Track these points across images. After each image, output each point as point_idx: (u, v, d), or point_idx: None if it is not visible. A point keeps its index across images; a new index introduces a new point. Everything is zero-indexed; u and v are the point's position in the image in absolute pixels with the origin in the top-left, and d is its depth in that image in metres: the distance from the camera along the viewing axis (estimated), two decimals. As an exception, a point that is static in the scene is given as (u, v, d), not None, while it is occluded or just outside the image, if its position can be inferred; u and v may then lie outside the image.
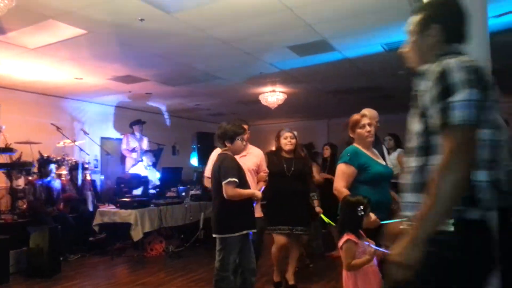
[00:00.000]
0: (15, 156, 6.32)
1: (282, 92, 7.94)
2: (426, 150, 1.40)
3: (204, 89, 7.81)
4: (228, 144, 3.38)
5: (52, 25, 4.41)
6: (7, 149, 6.18)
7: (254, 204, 3.49)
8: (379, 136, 4.96)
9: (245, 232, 3.30)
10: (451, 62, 1.36)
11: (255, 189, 3.69)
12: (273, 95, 7.91)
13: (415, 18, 1.67)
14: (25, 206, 6.01)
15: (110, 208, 6.23)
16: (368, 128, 3.14)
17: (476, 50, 1.61)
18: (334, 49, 5.46)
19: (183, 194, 7.00)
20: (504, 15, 4.37)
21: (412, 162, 1.45)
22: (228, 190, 3.18)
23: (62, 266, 5.31)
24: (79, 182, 6.79)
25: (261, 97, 8.00)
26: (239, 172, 3.27)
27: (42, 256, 5.00)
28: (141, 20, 4.31)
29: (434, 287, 1.35)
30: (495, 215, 1.35)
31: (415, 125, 1.43)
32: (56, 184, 6.32)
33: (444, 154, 1.30)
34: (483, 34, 1.64)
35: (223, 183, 3.19)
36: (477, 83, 1.31)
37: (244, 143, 3.54)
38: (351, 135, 3.22)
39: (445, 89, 1.32)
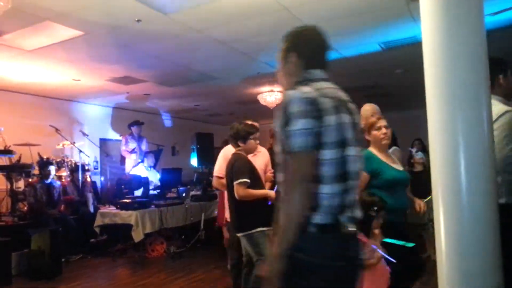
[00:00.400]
0: (14, 158, 6.33)
1: (281, 91, 7.95)
2: (284, 167, 1.57)
3: (202, 90, 7.82)
4: (241, 144, 3.40)
5: (49, 26, 4.41)
6: (6, 151, 6.18)
7: (269, 204, 3.46)
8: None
9: (258, 230, 3.25)
10: (292, 93, 1.55)
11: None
12: (271, 95, 7.93)
13: (281, 46, 1.82)
14: (25, 208, 6.02)
15: (111, 209, 6.24)
16: (384, 130, 3.06)
17: (473, 49, 1.63)
18: (331, 48, 5.47)
19: (184, 194, 7.02)
20: (500, 13, 4.39)
21: (280, 177, 1.61)
22: (239, 190, 3.20)
23: (64, 268, 5.32)
24: (80, 183, 6.80)
25: (259, 97, 8.01)
26: (251, 172, 3.27)
27: (44, 258, 5.01)
28: (138, 21, 4.32)
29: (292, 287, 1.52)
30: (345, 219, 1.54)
31: (277, 145, 1.59)
32: (57, 185, 6.33)
33: (288, 174, 1.52)
34: (480, 32, 1.65)
35: (235, 183, 3.21)
36: (312, 113, 1.50)
37: (258, 142, 3.54)
38: (366, 137, 3.16)
39: (286, 118, 1.51)
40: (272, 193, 3.43)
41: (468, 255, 1.62)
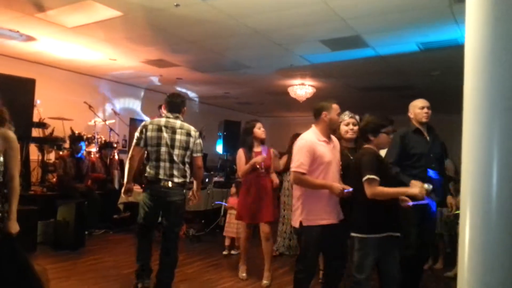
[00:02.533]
0: (47, 131, 6.54)
1: (311, 85, 7.89)
2: None
3: (234, 78, 7.85)
4: (371, 138, 3.10)
5: (90, 5, 4.51)
6: (40, 124, 6.40)
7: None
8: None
9: (386, 234, 2.93)
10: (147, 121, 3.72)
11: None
12: (302, 88, 7.88)
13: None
14: (54, 179, 6.23)
15: (135, 187, 6.37)
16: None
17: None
18: (368, 45, 5.39)
19: (207, 180, 7.09)
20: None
21: None
22: (368, 188, 2.90)
23: (86, 240, 5.48)
24: (108, 160, 6.98)
25: (290, 89, 7.97)
26: (379, 168, 2.96)
27: (68, 229, 5.18)
28: (177, 5, 4.36)
29: None
30: None
31: None
32: (86, 161, 6.51)
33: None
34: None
35: (363, 180, 2.93)
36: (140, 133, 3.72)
37: (391, 136, 3.23)
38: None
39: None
40: (414, 190, 2.91)
41: (493, 267, 1.58)
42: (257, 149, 4.33)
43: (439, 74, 6.60)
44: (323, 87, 8.05)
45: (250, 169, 4.23)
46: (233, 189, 5.48)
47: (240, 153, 4.33)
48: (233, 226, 5.26)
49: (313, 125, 3.30)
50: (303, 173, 3.07)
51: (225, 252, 5.35)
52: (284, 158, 5.20)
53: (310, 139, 3.17)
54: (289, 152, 5.23)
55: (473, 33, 1.66)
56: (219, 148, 8.41)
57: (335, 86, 8.10)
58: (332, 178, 3.16)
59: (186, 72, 7.52)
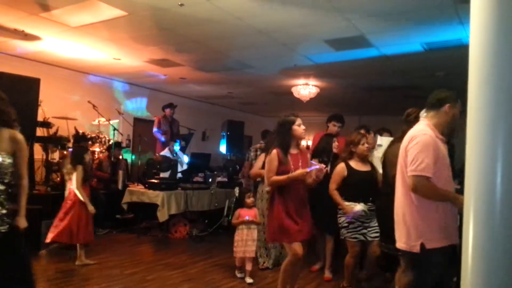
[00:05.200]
0: (52, 130, 6.56)
1: (315, 85, 7.88)
2: None
3: (238, 77, 7.85)
4: None
5: (95, 5, 4.52)
6: (45, 123, 6.42)
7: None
8: None
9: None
10: None
11: None
12: (305, 88, 7.86)
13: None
14: (58, 179, 6.24)
15: (139, 187, 6.40)
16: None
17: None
18: (372, 45, 5.37)
19: (210, 180, 7.10)
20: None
21: None
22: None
23: (90, 240, 5.50)
24: (114, 160, 6.99)
25: (293, 89, 7.96)
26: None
27: (72, 229, 5.18)
28: (181, 5, 4.36)
29: None
30: None
31: None
32: (90, 160, 6.52)
33: None
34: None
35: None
36: None
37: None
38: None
39: None
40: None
41: (496, 270, 1.57)
42: (293, 150, 3.51)
43: (443, 75, 6.57)
44: (327, 87, 8.03)
45: (288, 182, 3.38)
46: (250, 200, 4.50)
47: (274, 155, 3.41)
48: (241, 245, 4.36)
49: (424, 118, 2.68)
50: (429, 178, 2.41)
51: (239, 275, 4.49)
52: (262, 158, 4.67)
53: (432, 134, 2.52)
54: (267, 150, 4.55)
55: (478, 33, 1.65)
56: (223, 148, 8.41)
57: (339, 86, 8.08)
58: (450, 187, 2.58)
59: (190, 71, 7.53)
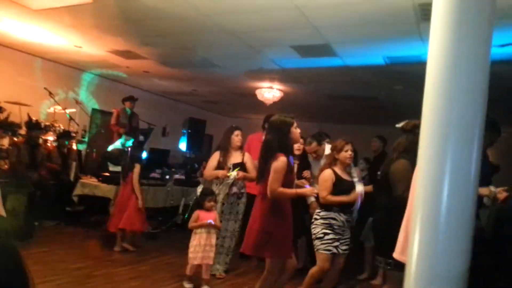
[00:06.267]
0: (2, 115, 6.24)
1: (279, 89, 7.95)
2: None
3: (203, 75, 7.79)
4: None
5: (59, -11, 4.35)
6: (-5, 107, 6.10)
7: None
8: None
9: None
10: None
11: None
12: (270, 92, 7.93)
13: None
14: (6, 166, 5.94)
15: (92, 180, 6.20)
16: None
17: (475, 80, 1.64)
18: (336, 55, 5.48)
19: (167, 177, 6.99)
20: (506, 46, 4.43)
21: None
22: None
23: (37, 232, 5.27)
24: (65, 150, 6.74)
25: (258, 92, 8.00)
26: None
27: (18, 219, 4.95)
28: (149, -3, 4.27)
29: None
30: None
31: None
32: (42, 149, 6.26)
33: None
34: (484, 62, 1.66)
35: None
36: None
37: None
38: None
39: None
40: None
41: (440, 277, 1.65)
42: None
43: (402, 89, 6.82)
44: (290, 92, 8.13)
45: (296, 197, 3.29)
46: (210, 204, 4.21)
47: (283, 163, 3.10)
48: (199, 250, 4.06)
49: None
50: None
51: (188, 285, 4.10)
52: (216, 156, 4.69)
53: None
54: (224, 149, 4.70)
55: (436, 52, 1.72)
56: (182, 146, 8.30)
57: (302, 92, 8.19)
58: None
59: (154, 65, 7.39)
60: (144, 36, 5.72)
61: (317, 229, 3.75)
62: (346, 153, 3.83)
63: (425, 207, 1.69)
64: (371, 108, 8.79)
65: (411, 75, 5.73)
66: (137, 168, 5.29)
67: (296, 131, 3.31)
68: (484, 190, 2.76)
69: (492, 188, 2.84)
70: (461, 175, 1.65)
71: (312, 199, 3.92)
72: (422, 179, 1.71)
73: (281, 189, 3.11)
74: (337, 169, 3.85)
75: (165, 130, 10.53)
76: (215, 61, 6.61)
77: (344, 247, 3.78)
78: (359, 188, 3.87)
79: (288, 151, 3.22)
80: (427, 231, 1.68)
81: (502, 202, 2.87)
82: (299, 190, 3.27)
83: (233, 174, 4.52)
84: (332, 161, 3.90)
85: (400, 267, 2.56)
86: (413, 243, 1.72)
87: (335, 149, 3.90)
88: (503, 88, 5.58)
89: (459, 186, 1.65)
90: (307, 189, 3.31)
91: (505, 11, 3.55)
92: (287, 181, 3.15)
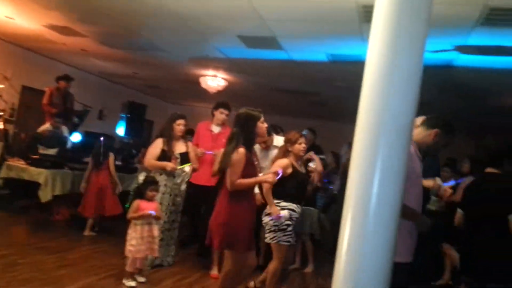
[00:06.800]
0: None
1: (224, 78, 7.91)
2: None
3: (145, 59, 7.54)
4: None
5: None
6: None
7: None
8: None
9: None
10: None
11: None
12: (214, 80, 7.86)
13: None
14: None
15: (20, 163, 5.82)
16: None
17: (408, 81, 1.74)
18: (282, 48, 5.54)
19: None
20: (439, 52, 4.72)
21: None
22: None
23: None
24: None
25: (202, 79, 7.91)
26: None
27: None
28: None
29: None
30: None
31: None
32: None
33: None
34: (417, 66, 1.77)
35: None
36: None
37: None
38: None
39: None
40: None
41: (367, 270, 1.74)
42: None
43: (343, 86, 7.06)
44: (235, 82, 8.11)
45: (254, 185, 3.30)
46: (152, 193, 4.01)
47: (241, 155, 3.12)
48: (141, 242, 3.82)
49: None
50: None
51: (131, 283, 3.83)
52: (159, 144, 4.54)
53: (411, 150, 2.59)
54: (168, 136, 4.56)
55: (374, 53, 1.81)
56: (120, 130, 8.03)
57: (247, 83, 8.21)
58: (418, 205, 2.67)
59: (93, 44, 7.03)
60: (84, 13, 5.41)
61: (271, 221, 3.70)
62: (300, 146, 3.86)
63: (356, 200, 1.78)
64: (313, 103, 9.01)
65: (352, 73, 5.94)
66: (112, 157, 5.68)
67: (262, 125, 3.33)
68: (429, 182, 2.90)
69: (438, 180, 3.05)
70: (391, 171, 1.75)
71: (257, 190, 3.93)
72: (354, 173, 1.80)
73: (240, 180, 3.12)
74: (294, 161, 3.86)
75: (102, 113, 10.09)
76: (159, 45, 6.42)
77: (291, 239, 3.85)
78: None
79: (252, 145, 3.27)
80: (357, 223, 1.77)
81: (447, 199, 3.09)
82: (259, 177, 3.27)
83: (187, 168, 4.42)
84: (285, 153, 3.91)
85: None
86: (344, 233, 1.81)
87: (289, 142, 3.91)
88: (433, 91, 5.96)
89: (388, 181, 1.75)
90: (268, 175, 3.26)
91: (439, 20, 3.77)
92: (248, 174, 3.16)
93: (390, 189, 1.75)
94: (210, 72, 7.69)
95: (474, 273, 2.86)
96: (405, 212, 2.40)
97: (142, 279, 3.95)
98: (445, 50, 4.64)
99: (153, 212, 3.88)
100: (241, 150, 3.13)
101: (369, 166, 1.74)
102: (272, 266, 3.71)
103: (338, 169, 5.76)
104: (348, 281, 1.76)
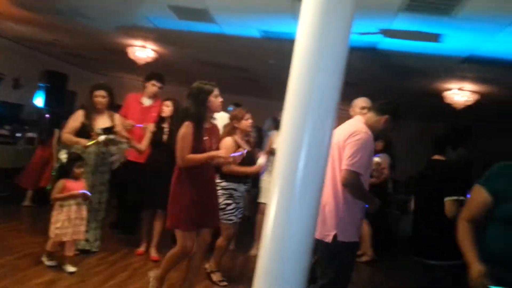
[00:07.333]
0: None
1: (154, 50, 7.63)
2: None
3: (67, 25, 7.01)
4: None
5: None
6: None
7: None
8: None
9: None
10: None
11: None
12: (143, 51, 7.55)
13: None
14: None
15: None
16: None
17: (335, 61, 1.81)
18: (214, 21, 5.44)
19: (19, 135, 6.26)
20: (365, 34, 4.92)
21: None
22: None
23: None
24: None
25: (129, 50, 7.55)
26: None
27: None
28: None
29: None
30: None
31: None
32: None
33: None
34: (343, 47, 1.83)
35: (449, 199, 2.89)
36: None
37: None
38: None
39: None
40: None
41: (291, 237, 1.83)
42: (207, 125, 3.27)
43: (274, 63, 7.12)
44: (165, 54, 7.86)
45: (204, 161, 3.16)
46: (80, 170, 3.80)
47: (188, 130, 3.09)
48: (68, 225, 3.63)
49: (360, 115, 3.00)
50: (360, 175, 2.60)
51: (50, 263, 3.70)
52: (79, 117, 4.31)
53: (371, 134, 2.74)
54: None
55: (303, 32, 1.86)
56: (38, 101, 7.48)
57: (177, 56, 7.99)
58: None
59: (8, 6, 6.38)
60: (-5, -31, 4.89)
61: (220, 199, 3.71)
62: (247, 122, 3.90)
63: (283, 176, 1.83)
64: (243, 79, 9.01)
65: (283, 51, 6.00)
66: (56, 133, 5.78)
67: (215, 100, 3.23)
68: None
69: (377, 159, 3.25)
70: (318, 146, 1.83)
71: None
72: (283, 147, 1.86)
73: (191, 156, 3.05)
74: (237, 139, 3.86)
75: (18, 82, 9.29)
76: (83, 11, 5.99)
77: (240, 215, 3.95)
78: (261, 160, 4.00)
79: (203, 120, 3.17)
80: (284, 197, 1.83)
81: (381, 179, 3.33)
82: (211, 153, 3.16)
83: (102, 138, 4.06)
84: (231, 130, 3.90)
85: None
86: (271, 207, 1.86)
87: (235, 118, 3.91)
88: (359, 72, 6.24)
89: (315, 155, 1.83)
90: (220, 151, 3.22)
91: (365, 4, 3.91)
92: (198, 149, 3.10)
93: (316, 163, 1.83)
94: (138, 42, 7.36)
95: (422, 254, 3.05)
96: (361, 194, 2.62)
97: (72, 269, 3.66)
98: (371, 33, 4.84)
99: (84, 192, 3.67)
100: (188, 123, 3.08)
101: (297, 141, 1.80)
102: (218, 242, 3.86)
103: (261, 143, 5.86)
104: (274, 248, 1.84)
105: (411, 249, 3.35)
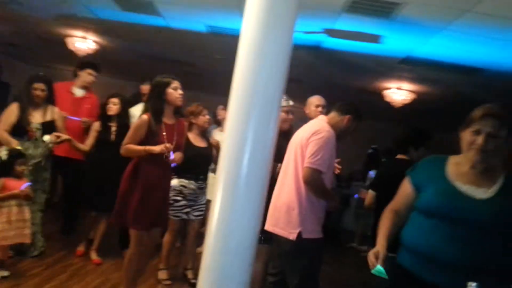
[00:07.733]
0: None
1: (95, 41, 7.32)
2: None
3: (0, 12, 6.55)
4: None
5: None
6: None
7: None
8: None
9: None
10: None
11: None
12: (83, 42, 7.22)
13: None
14: None
15: None
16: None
17: (278, 58, 1.83)
18: (160, 14, 5.32)
19: None
20: (309, 33, 5.03)
21: None
22: None
23: None
24: None
25: (69, 40, 7.20)
26: None
27: None
28: None
29: None
30: None
31: None
32: None
33: None
34: (286, 44, 1.86)
35: None
36: None
37: None
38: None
39: None
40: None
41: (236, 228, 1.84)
42: (168, 120, 3.15)
43: (221, 59, 7.09)
44: (107, 46, 7.57)
45: (139, 154, 3.02)
46: (21, 168, 3.55)
47: (142, 122, 3.02)
48: (8, 228, 3.36)
49: (324, 115, 3.04)
50: (322, 173, 2.61)
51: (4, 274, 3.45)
52: (14, 110, 4.00)
53: (333, 133, 2.79)
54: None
55: (248, 29, 1.87)
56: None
57: (121, 49, 7.73)
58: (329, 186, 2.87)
59: None
60: None
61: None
62: (204, 117, 3.90)
63: (227, 171, 1.84)
64: (191, 75, 8.89)
65: (229, 47, 5.98)
66: None
67: (174, 92, 3.15)
68: None
69: None
70: (262, 140, 1.86)
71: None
72: (227, 145, 1.86)
73: (129, 145, 3.00)
74: (191, 135, 3.83)
75: None
76: (17, -3, 5.62)
77: (197, 213, 3.87)
78: (218, 136, 4.02)
79: (160, 113, 3.07)
80: (228, 193, 1.84)
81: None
82: (148, 147, 3.01)
83: (48, 138, 3.79)
84: (188, 126, 3.85)
85: (270, 240, 2.83)
86: (216, 203, 1.86)
87: (192, 114, 3.87)
88: (303, 69, 6.37)
89: (259, 149, 1.85)
90: (158, 146, 3.03)
91: (310, 3, 4.00)
92: (152, 143, 3.00)
93: (261, 158, 1.86)
94: (79, 33, 7.03)
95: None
96: (322, 192, 2.67)
97: (5, 273, 3.40)
98: (314, 32, 4.95)
99: (27, 185, 3.43)
100: (144, 116, 3.03)
101: (241, 135, 1.81)
102: (164, 239, 3.83)
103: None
104: (218, 244, 1.84)
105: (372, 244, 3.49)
